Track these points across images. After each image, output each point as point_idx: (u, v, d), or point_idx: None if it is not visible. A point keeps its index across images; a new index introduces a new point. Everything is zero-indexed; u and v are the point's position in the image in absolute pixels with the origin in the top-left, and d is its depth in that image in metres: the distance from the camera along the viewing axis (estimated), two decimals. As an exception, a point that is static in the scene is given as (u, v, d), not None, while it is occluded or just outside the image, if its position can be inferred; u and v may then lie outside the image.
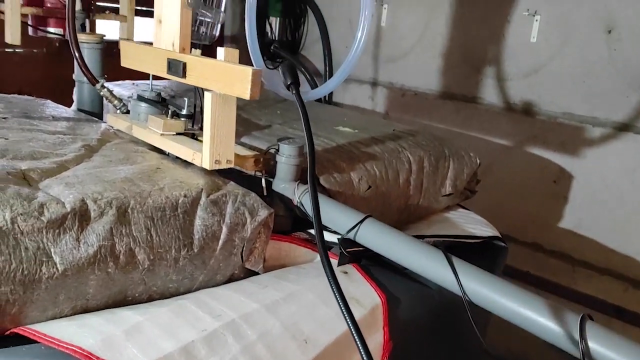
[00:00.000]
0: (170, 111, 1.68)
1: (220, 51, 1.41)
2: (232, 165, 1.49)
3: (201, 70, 1.41)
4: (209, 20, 1.53)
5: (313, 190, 1.35)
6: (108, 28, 2.73)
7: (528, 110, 3.22)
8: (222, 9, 1.57)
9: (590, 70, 2.94)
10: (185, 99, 1.72)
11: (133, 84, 2.81)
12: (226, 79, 1.35)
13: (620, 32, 2.83)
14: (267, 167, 1.63)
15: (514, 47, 3.24)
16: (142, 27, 3.27)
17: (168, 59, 1.47)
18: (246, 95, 1.31)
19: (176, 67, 1.46)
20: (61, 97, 2.70)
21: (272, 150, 1.65)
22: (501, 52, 3.31)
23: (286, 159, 1.62)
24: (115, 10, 2.62)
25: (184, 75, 1.44)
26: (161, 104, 1.83)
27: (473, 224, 2.03)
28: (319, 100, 4.23)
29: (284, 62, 1.42)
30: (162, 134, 1.63)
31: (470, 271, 1.24)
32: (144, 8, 3.68)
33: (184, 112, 1.71)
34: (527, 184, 3.21)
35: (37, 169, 1.27)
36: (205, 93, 1.40)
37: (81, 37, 2.24)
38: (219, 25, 1.59)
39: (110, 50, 2.39)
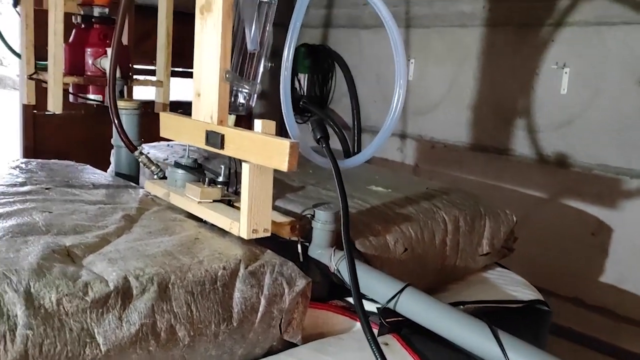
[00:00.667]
0: (207, 179, 1.71)
1: (258, 123, 1.43)
2: (269, 234, 1.50)
3: (239, 143, 1.43)
4: (246, 92, 1.57)
5: (350, 259, 1.34)
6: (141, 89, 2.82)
7: (562, 162, 3.18)
8: (258, 80, 1.61)
9: (624, 122, 2.91)
10: (222, 166, 1.74)
11: (168, 145, 2.88)
12: (264, 151, 1.37)
13: (653, 83, 2.80)
14: (303, 232, 1.63)
15: (544, 99, 3.23)
16: (176, 86, 3.37)
17: (207, 131, 1.51)
18: (284, 168, 1.32)
19: (214, 139, 1.48)
20: (98, 158, 2.77)
21: (308, 216, 1.65)
22: (531, 104, 3.30)
23: (322, 225, 1.61)
24: (151, 73, 2.71)
25: (222, 147, 1.47)
26: (198, 170, 1.86)
27: (514, 286, 1.98)
28: (347, 154, 4.27)
29: (313, 117, 1.44)
30: (199, 202, 1.65)
31: (517, 345, 1.19)
32: (179, 69, 3.82)
33: (221, 179, 1.73)
34: (565, 236, 3.13)
35: (80, 244, 1.29)
36: (243, 164, 1.42)
37: (120, 103, 2.31)
38: (255, 96, 1.62)
39: (144, 109, 2.47)
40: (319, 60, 4.42)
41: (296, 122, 4.29)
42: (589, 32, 3.02)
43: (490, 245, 2.12)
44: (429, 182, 2.42)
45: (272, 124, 1.44)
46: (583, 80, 3.07)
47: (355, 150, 4.27)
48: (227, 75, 1.47)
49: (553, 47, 3.17)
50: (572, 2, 3.06)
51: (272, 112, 4.45)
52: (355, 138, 4.28)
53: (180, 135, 1.63)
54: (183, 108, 4.09)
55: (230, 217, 1.52)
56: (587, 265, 3.07)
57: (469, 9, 3.53)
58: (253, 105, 1.64)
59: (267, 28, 1.56)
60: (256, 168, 1.41)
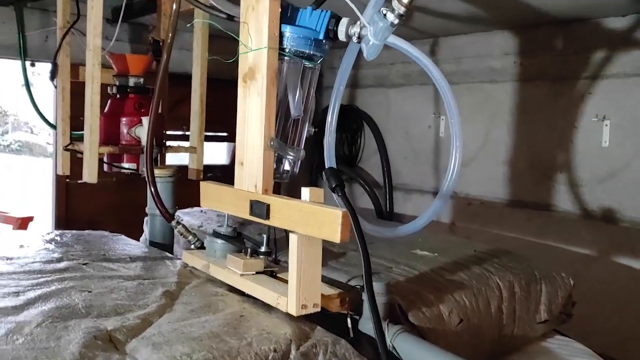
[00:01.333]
0: (248, 249, 1.63)
1: (305, 191, 1.37)
2: (318, 309, 1.40)
3: (286, 213, 1.36)
4: (290, 158, 1.51)
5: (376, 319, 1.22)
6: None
7: (609, 217, 3.04)
8: (302, 146, 1.55)
9: (674, 173, 2.79)
10: (264, 235, 1.67)
11: (202, 211, 2.82)
12: (313, 221, 1.29)
13: (702, 133, 2.69)
14: (352, 305, 1.53)
15: (585, 152, 3.13)
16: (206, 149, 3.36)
17: (251, 200, 1.44)
18: (336, 239, 1.24)
19: (260, 209, 1.42)
20: (130, 224, 2.73)
21: (357, 287, 1.55)
22: (571, 158, 3.20)
23: (373, 297, 1.51)
24: (182, 137, 2.69)
25: (267, 218, 1.40)
26: (238, 240, 1.79)
27: (578, 356, 1.82)
28: (380, 215, 4.18)
29: (328, 168, 1.36)
30: (242, 274, 1.57)
31: None
32: (211, 133, 3.83)
33: (263, 249, 1.65)
34: (620, 296, 2.95)
35: (122, 327, 1.21)
36: (291, 236, 1.34)
37: (155, 172, 2.28)
38: (299, 162, 1.57)
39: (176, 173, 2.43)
40: (348, 120, 4.41)
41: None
42: (629, 84, 2.94)
43: (548, 312, 1.98)
44: (475, 243, 2.31)
45: (319, 192, 1.37)
46: (625, 132, 2.97)
47: (388, 209, 4.18)
48: (272, 143, 1.42)
49: (591, 99, 3.10)
50: (608, 55, 3.01)
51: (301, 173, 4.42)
52: (387, 196, 4.20)
53: (222, 205, 1.56)
54: (213, 172, 4.12)
55: (276, 292, 1.43)
56: (645, 327, 2.87)
57: (499, 64, 3.50)
58: (297, 172, 1.57)
59: (311, 93, 1.52)
60: (305, 239, 1.34)
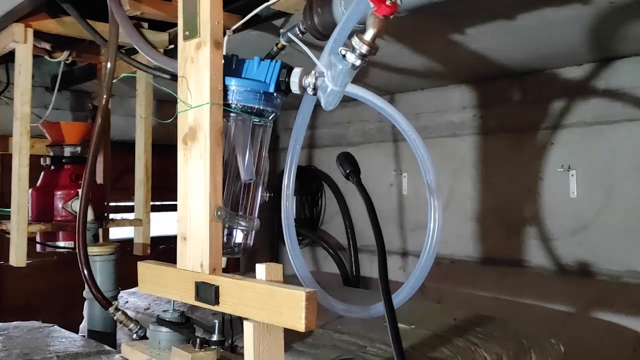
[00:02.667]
0: (198, 339, 1.38)
1: (260, 268, 1.15)
2: (283, 412, 1.16)
3: (238, 296, 1.14)
4: (243, 229, 1.31)
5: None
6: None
7: (584, 271, 2.90)
8: (256, 214, 1.35)
9: (647, 222, 2.69)
10: (216, 321, 1.43)
11: (149, 290, 2.55)
12: (272, 305, 1.07)
13: (670, 179, 2.63)
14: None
15: (553, 204, 3.03)
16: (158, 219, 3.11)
17: (196, 282, 1.21)
18: (300, 327, 1.03)
19: (207, 293, 1.19)
20: (73, 309, 2.43)
21: (329, 378, 1.32)
22: (540, 211, 3.09)
23: (347, 388, 1.28)
24: (129, 209, 2.46)
25: (216, 302, 1.17)
26: (185, 326, 1.54)
27: None
28: (346, 280, 3.95)
29: (340, 154, 1.16)
30: (189, 371, 1.31)
31: None
32: (164, 203, 3.58)
33: (215, 337, 1.41)
34: (603, 355, 2.77)
35: None
36: (245, 323, 1.12)
37: (92, 250, 2.03)
38: (254, 233, 1.36)
39: (123, 249, 2.18)
40: (307, 181, 4.24)
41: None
42: (591, 132, 2.89)
43: (540, 385, 1.77)
44: (452, 312, 2.11)
45: (278, 269, 1.16)
46: (592, 181, 2.89)
47: (354, 273, 3.96)
48: (219, 213, 1.21)
49: (554, 150, 3.03)
50: (566, 105, 2.97)
51: (260, 244, 4.18)
52: (353, 259, 3.98)
53: (164, 289, 1.33)
54: (166, 244, 3.83)
55: (231, 392, 1.19)
56: (635, 388, 2.69)
57: (458, 118, 3.44)
58: (251, 244, 1.36)
59: (263, 154, 1.33)
60: (262, 328, 1.11)
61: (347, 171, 1.17)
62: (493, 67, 2.94)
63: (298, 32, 1.72)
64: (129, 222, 2.40)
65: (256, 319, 1.11)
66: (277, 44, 1.85)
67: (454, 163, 3.46)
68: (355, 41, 1.00)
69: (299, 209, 4.24)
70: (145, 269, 1.38)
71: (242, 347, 1.69)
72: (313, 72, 1.24)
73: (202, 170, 1.22)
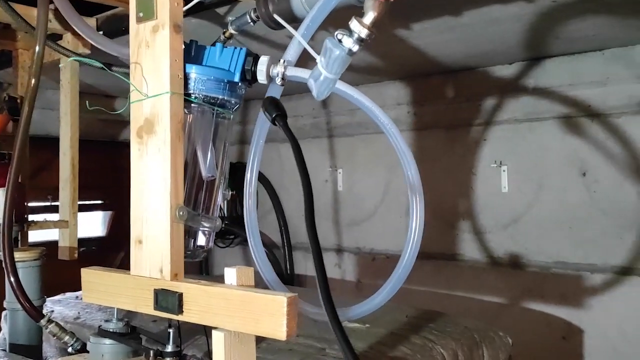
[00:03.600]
0: (151, 351, 1.26)
1: (230, 273, 1.06)
2: None
3: (206, 304, 1.04)
4: (206, 230, 1.20)
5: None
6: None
7: (516, 263, 3.01)
8: (217, 214, 1.25)
9: (574, 215, 2.82)
10: (170, 330, 1.31)
11: (77, 297, 2.35)
12: (246, 313, 0.99)
13: (595, 174, 2.77)
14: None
15: (486, 198, 3.12)
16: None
17: (155, 290, 1.10)
18: (281, 335, 0.95)
19: (168, 301, 1.08)
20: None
21: (297, 387, 1.25)
22: (473, 205, 3.17)
23: (318, 396, 1.21)
24: (50, 210, 2.26)
25: (180, 311, 1.06)
26: (132, 337, 1.41)
27: None
28: (281, 278, 3.87)
29: (266, 98, 1.07)
30: (144, 388, 1.19)
31: None
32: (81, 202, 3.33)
33: (170, 348, 1.29)
34: (534, 344, 2.88)
35: None
36: (215, 333, 1.02)
37: (15, 255, 1.82)
38: (214, 235, 1.26)
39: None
40: (238, 178, 4.10)
41: (218, 246, 3.82)
42: (521, 129, 3.00)
43: (493, 378, 1.79)
44: (404, 307, 2.09)
45: (249, 273, 1.07)
46: (522, 176, 3.00)
47: (289, 271, 3.90)
48: (181, 213, 1.10)
49: (486, 146, 3.11)
50: (498, 102, 3.06)
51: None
52: (287, 257, 3.91)
53: (115, 299, 1.19)
54: (87, 246, 3.58)
55: (196, 409, 1.08)
56: (563, 373, 2.82)
57: (393, 114, 3.44)
58: (211, 247, 1.26)
59: (225, 149, 1.24)
60: (234, 338, 1.02)
61: (273, 115, 1.09)
62: (430, 64, 2.97)
63: (249, 21, 1.63)
64: (54, 224, 2.19)
65: (228, 328, 1.01)
66: (224, 33, 1.74)
67: (389, 159, 3.47)
68: (353, 25, 0.93)
69: (230, 207, 4.11)
70: (92, 277, 1.23)
71: (192, 357, 1.58)
72: (281, 60, 1.16)
73: (161, 167, 1.10)
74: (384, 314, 1.99)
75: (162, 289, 1.09)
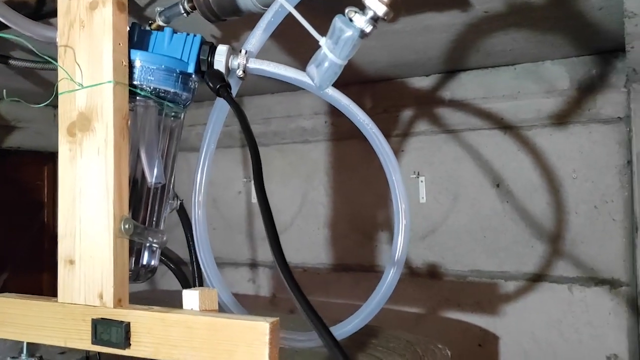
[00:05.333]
0: (79, 393, 1.06)
1: (192, 296, 0.90)
2: None
3: (163, 335, 0.87)
4: (154, 246, 1.02)
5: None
6: None
7: (433, 273, 3.04)
8: (162, 226, 1.08)
9: (488, 225, 2.90)
10: (100, 365, 1.11)
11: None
12: (216, 343, 0.83)
13: (508, 185, 2.87)
14: None
15: (405, 209, 3.12)
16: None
17: (94, 320, 0.90)
18: (262, 369, 0.80)
19: (112, 333, 0.89)
20: None
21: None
22: (390, 216, 3.16)
23: None
24: None
25: (127, 345, 0.88)
26: (47, 374, 1.18)
27: None
28: (186, 284, 3.63)
29: (209, 70, 0.94)
30: None
31: None
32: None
33: (100, 388, 1.09)
34: (453, 351, 2.91)
35: None
36: (173, 369, 0.85)
37: None
38: (159, 252, 1.08)
39: None
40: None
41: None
42: (438, 141, 3.04)
43: (436, 393, 1.74)
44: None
45: (213, 295, 0.92)
46: (439, 187, 3.04)
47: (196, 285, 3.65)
48: (127, 227, 0.92)
49: (404, 157, 3.12)
50: (415, 113, 3.09)
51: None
52: (195, 274, 3.67)
53: (36, 333, 0.97)
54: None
55: None
56: (480, 380, 2.87)
57: (310, 124, 3.38)
58: (157, 266, 1.08)
59: (175, 153, 1.07)
60: (197, 373, 0.86)
61: (217, 86, 0.98)
62: (350, 73, 2.93)
63: (182, 11, 1.47)
64: None
65: (192, 363, 0.85)
66: (150, 25, 1.56)
67: (306, 169, 3.39)
68: (369, 1, 0.81)
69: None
70: (4, 306, 1.00)
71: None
72: (242, 51, 1.03)
73: (103, 171, 0.92)
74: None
75: (102, 319, 0.90)
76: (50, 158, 3.88)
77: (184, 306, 0.90)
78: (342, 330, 1.26)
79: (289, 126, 3.42)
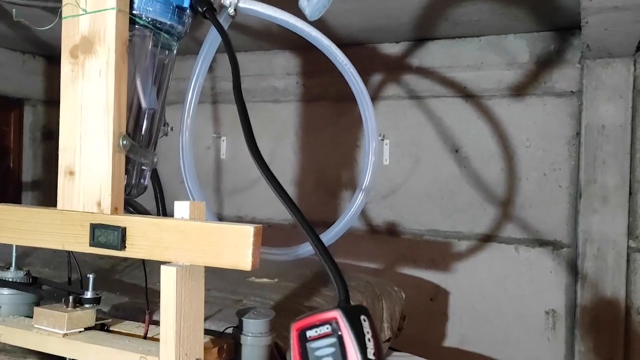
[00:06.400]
0: (70, 298, 1.16)
1: (183, 206, 1.00)
2: (201, 367, 1.03)
3: (156, 237, 0.97)
4: (144, 164, 1.11)
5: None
6: None
7: (392, 231, 3.21)
8: (155, 149, 1.17)
9: (446, 188, 3.08)
10: (90, 276, 1.21)
11: None
12: (206, 245, 0.94)
13: (466, 151, 3.04)
14: (230, 354, 1.20)
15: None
16: None
17: (92, 224, 1.00)
18: (246, 265, 0.93)
19: (108, 236, 0.99)
20: None
21: (231, 329, 1.22)
22: (355, 176, 3.30)
23: (253, 339, 1.20)
24: None
25: (122, 247, 0.99)
26: (33, 286, 1.28)
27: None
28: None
29: None
30: (65, 335, 1.09)
31: None
32: None
33: (89, 294, 1.19)
34: (407, 305, 3.10)
35: None
36: (164, 269, 0.96)
37: None
38: (150, 172, 1.18)
39: None
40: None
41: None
42: (403, 105, 3.18)
43: (390, 329, 1.91)
44: (304, 265, 2.13)
45: (201, 207, 1.03)
46: (402, 150, 3.19)
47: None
48: (124, 143, 1.01)
49: (371, 120, 3.25)
50: (384, 78, 3.21)
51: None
52: (161, 226, 3.75)
53: (35, 237, 1.06)
54: None
55: (135, 351, 1.02)
56: (429, 332, 3.08)
57: (282, 84, 3.46)
58: (147, 186, 1.18)
59: (167, 82, 1.16)
60: (185, 273, 0.97)
61: (204, 8, 1.08)
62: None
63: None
64: None
65: (182, 262, 0.96)
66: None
67: (276, 128, 3.49)
68: None
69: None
70: (5, 213, 1.09)
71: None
72: (234, -9, 1.12)
73: (104, 91, 1.01)
74: (289, 270, 2.01)
75: (100, 224, 1.00)
76: (17, 104, 3.84)
77: (175, 216, 1.01)
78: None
79: (260, 84, 3.49)
